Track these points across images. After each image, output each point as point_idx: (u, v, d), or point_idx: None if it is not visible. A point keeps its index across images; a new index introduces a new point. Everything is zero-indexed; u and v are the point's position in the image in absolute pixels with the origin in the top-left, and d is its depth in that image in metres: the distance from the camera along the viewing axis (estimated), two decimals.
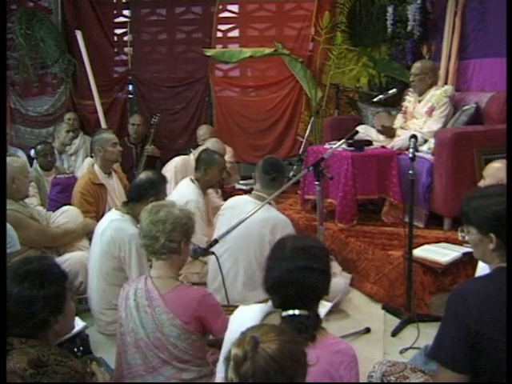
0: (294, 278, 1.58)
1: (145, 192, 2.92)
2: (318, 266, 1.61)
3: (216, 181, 3.84)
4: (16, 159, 3.38)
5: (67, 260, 3.13)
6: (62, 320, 1.66)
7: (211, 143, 4.51)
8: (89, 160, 4.58)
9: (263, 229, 2.98)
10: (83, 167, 4.67)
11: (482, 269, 2.08)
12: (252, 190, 3.37)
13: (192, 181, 3.73)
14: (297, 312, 1.56)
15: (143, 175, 3.04)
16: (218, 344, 2.15)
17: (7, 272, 1.66)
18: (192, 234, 2.24)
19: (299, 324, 1.54)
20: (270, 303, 1.69)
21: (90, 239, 3.27)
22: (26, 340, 1.57)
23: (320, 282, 1.62)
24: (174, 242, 2.13)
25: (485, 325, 1.52)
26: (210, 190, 3.92)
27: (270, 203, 3.03)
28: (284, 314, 1.58)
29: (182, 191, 3.67)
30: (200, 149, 4.59)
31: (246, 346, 1.21)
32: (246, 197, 3.28)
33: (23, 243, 3.06)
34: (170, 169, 4.55)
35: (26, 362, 1.50)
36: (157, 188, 2.96)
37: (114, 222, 2.90)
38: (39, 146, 4.57)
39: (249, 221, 2.75)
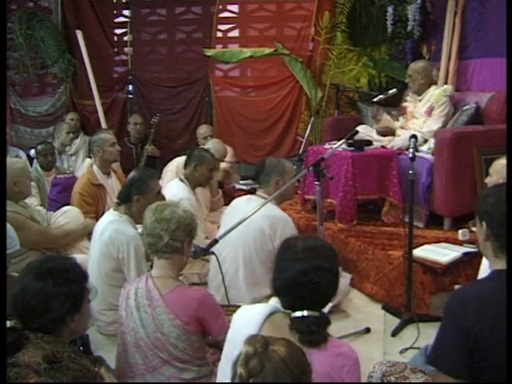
0: (307, 278, 1.57)
1: (129, 192, 2.92)
2: (329, 266, 1.62)
3: (204, 179, 3.85)
4: (17, 160, 3.36)
5: None
6: (78, 319, 1.69)
7: (212, 144, 4.51)
8: (88, 160, 4.59)
9: (263, 224, 3.02)
10: (83, 167, 4.68)
11: (486, 268, 2.08)
12: (254, 189, 3.43)
13: (181, 180, 3.77)
14: (307, 313, 1.56)
15: (129, 175, 3.04)
16: (217, 344, 2.16)
17: (28, 268, 1.69)
18: (195, 236, 2.24)
19: (311, 325, 1.54)
20: (273, 303, 1.69)
21: (90, 239, 3.27)
22: (42, 335, 1.59)
23: (332, 283, 1.63)
24: (178, 242, 2.13)
25: (484, 328, 1.51)
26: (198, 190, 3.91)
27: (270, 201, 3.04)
28: (294, 315, 1.57)
29: (173, 191, 3.66)
30: None
31: (256, 344, 1.23)
32: (249, 196, 3.32)
33: (23, 245, 3.05)
34: (171, 169, 4.56)
35: (40, 356, 1.52)
36: (138, 186, 2.92)
37: (112, 224, 2.89)
38: (40, 146, 4.57)
39: (250, 218, 2.76)
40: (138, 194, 2.89)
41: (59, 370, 1.53)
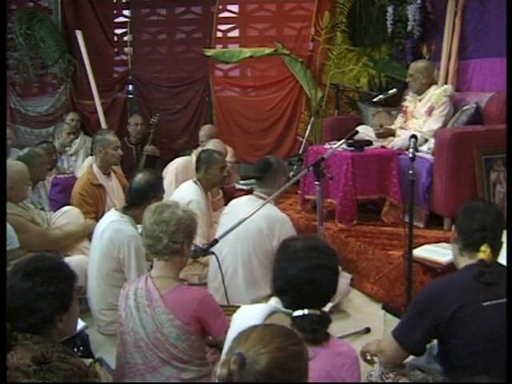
0: (309, 276, 1.59)
1: (145, 195, 2.90)
2: (330, 264, 1.64)
3: (218, 179, 3.86)
4: (16, 164, 3.28)
5: None
6: (67, 319, 1.67)
7: (212, 144, 4.50)
8: (89, 159, 4.59)
9: (261, 224, 3.02)
10: (83, 167, 4.68)
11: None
12: (253, 189, 3.42)
13: (194, 182, 3.76)
14: (308, 312, 1.57)
15: (140, 178, 2.99)
16: (217, 344, 2.16)
17: (16, 268, 1.67)
18: (194, 236, 2.24)
19: (313, 323, 1.55)
20: (272, 303, 1.69)
21: (90, 240, 3.27)
22: (31, 336, 1.58)
23: (333, 282, 1.65)
24: (177, 243, 2.13)
25: (456, 314, 1.71)
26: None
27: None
28: (296, 314, 1.58)
29: (184, 192, 3.69)
30: (200, 149, 4.59)
31: (231, 366, 1.13)
32: (247, 196, 3.32)
33: (24, 247, 3.05)
34: (171, 170, 4.56)
35: (29, 358, 1.50)
36: (155, 189, 2.95)
37: (113, 223, 2.90)
38: (43, 145, 4.58)
39: (249, 218, 2.76)
40: (155, 197, 2.88)
41: (49, 370, 1.51)
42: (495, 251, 1.84)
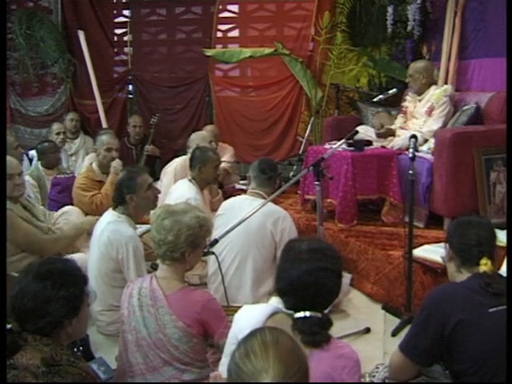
0: (312, 279, 1.58)
1: (121, 193, 2.92)
2: (334, 267, 1.63)
3: (212, 178, 3.85)
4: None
5: None
6: (76, 323, 1.66)
7: (205, 130, 4.49)
8: (90, 156, 4.61)
9: (265, 222, 3.01)
10: (84, 163, 4.71)
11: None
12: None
13: (189, 180, 3.77)
14: (309, 314, 1.57)
15: (118, 177, 3.06)
16: (218, 347, 2.16)
17: (28, 269, 1.67)
18: (201, 244, 2.22)
19: (314, 326, 1.55)
20: (274, 303, 1.69)
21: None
22: (40, 338, 1.57)
23: (335, 285, 1.64)
24: (175, 252, 2.11)
25: (459, 322, 1.74)
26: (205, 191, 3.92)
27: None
28: (297, 315, 1.58)
29: (180, 190, 3.70)
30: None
31: None
32: (243, 196, 3.31)
33: (11, 244, 3.01)
34: (169, 171, 4.55)
35: (39, 359, 1.50)
36: (127, 186, 2.91)
37: (110, 224, 2.89)
38: (46, 144, 4.59)
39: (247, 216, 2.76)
40: (130, 193, 2.89)
41: (57, 373, 1.51)
42: (494, 262, 1.86)
